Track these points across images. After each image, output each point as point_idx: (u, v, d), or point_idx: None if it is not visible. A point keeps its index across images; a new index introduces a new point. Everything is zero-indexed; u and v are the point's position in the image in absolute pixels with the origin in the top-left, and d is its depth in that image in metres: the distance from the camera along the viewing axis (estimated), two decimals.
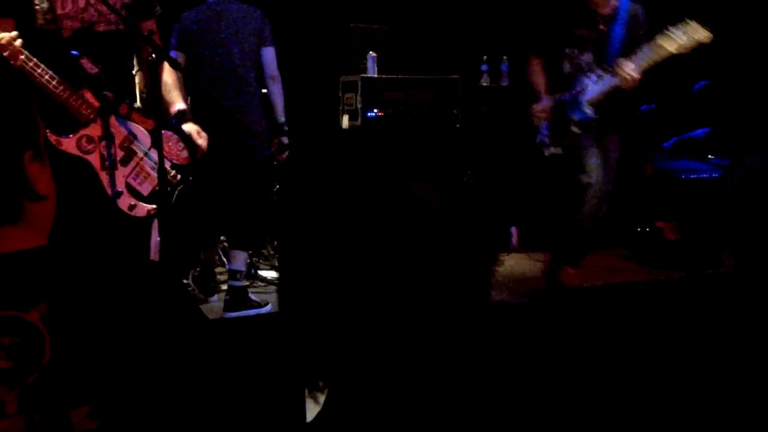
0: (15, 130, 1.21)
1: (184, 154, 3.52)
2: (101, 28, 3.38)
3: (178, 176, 3.46)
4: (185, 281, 5.29)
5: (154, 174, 3.27)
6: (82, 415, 1.13)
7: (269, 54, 5.05)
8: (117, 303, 1.20)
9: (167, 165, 3.28)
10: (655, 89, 6.25)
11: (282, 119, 5.11)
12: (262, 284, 5.97)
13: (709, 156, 6.19)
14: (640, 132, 6.48)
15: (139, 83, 6.59)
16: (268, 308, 5.01)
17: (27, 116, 1.25)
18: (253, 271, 6.10)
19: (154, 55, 3.52)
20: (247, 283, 5.38)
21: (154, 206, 3.30)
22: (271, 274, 6.20)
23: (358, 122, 6.75)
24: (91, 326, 1.17)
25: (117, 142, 3.28)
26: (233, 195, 5.09)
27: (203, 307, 5.03)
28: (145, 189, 3.32)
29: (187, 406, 1.22)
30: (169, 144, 3.46)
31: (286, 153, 5.13)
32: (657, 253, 5.78)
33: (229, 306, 4.90)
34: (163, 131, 3.26)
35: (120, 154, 3.29)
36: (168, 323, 1.23)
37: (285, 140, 5.12)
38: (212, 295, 5.35)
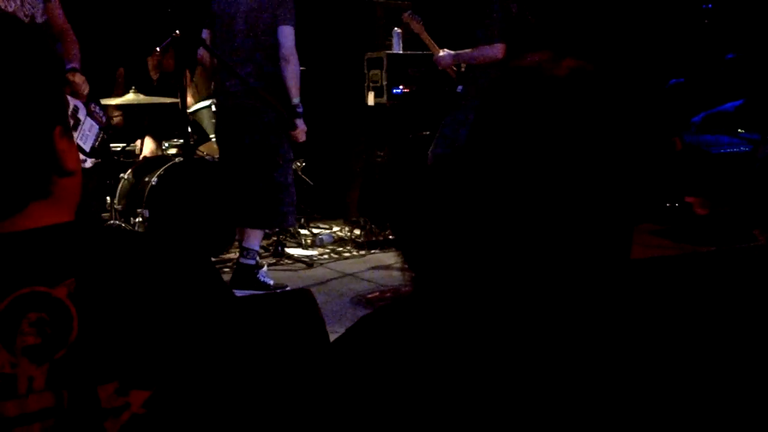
0: (46, 105, 1.20)
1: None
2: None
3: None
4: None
5: (91, 134, 4.28)
6: (110, 391, 1.12)
7: (284, 32, 4.95)
8: (145, 278, 1.19)
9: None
10: (684, 62, 6.17)
11: (295, 101, 5.01)
12: (289, 261, 5.99)
13: (740, 130, 6.11)
14: (668, 106, 6.40)
15: (151, 68, 6.61)
16: (282, 290, 5.03)
17: (57, 90, 1.24)
18: (279, 248, 6.11)
19: (177, 31, 3.65)
20: (264, 263, 5.38)
21: (97, 159, 4.41)
22: (297, 252, 6.21)
23: (384, 99, 6.71)
24: (119, 301, 1.16)
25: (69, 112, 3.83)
26: (241, 173, 5.10)
27: None
28: (87, 146, 4.27)
29: (214, 382, 1.21)
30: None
31: (302, 133, 5.09)
32: (687, 228, 5.72)
33: (234, 282, 4.96)
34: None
35: (71, 122, 4.01)
36: (195, 299, 1.22)
37: (299, 122, 5.04)
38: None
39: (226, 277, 5.20)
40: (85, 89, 4.13)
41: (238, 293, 4.88)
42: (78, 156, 1.29)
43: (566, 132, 1.03)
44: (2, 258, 1.16)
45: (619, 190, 1.05)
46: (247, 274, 5.01)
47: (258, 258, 5.15)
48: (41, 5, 4.58)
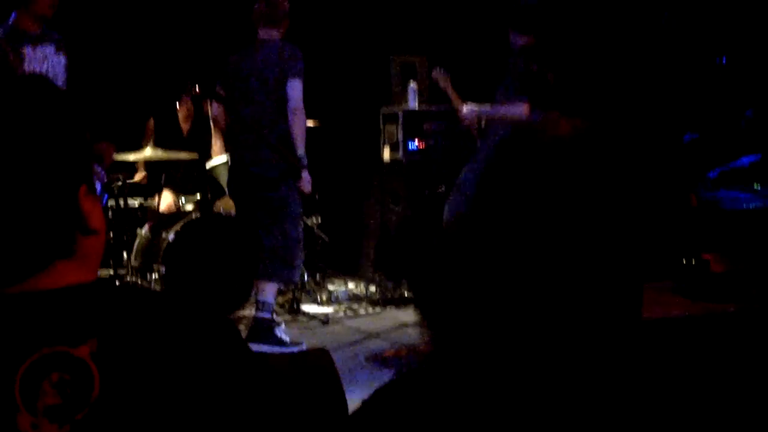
0: (72, 164, 1.22)
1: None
2: None
3: None
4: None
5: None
6: None
7: (293, 86, 5.10)
8: (166, 338, 1.19)
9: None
10: (698, 118, 6.19)
11: (300, 152, 5.11)
12: (304, 319, 5.97)
13: (756, 186, 6.09)
14: (683, 162, 6.40)
15: (182, 119, 6.71)
16: (299, 348, 5.01)
17: (83, 150, 1.25)
18: (295, 305, 6.10)
19: (198, 89, 3.67)
20: (281, 320, 5.38)
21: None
22: (313, 309, 6.20)
23: (400, 155, 6.74)
24: (140, 361, 1.16)
25: None
26: (255, 226, 5.20)
27: None
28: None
29: None
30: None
31: (307, 184, 5.16)
32: (704, 285, 5.68)
33: (250, 336, 4.96)
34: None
35: None
36: (216, 358, 1.22)
37: (304, 174, 5.13)
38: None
39: (243, 334, 5.18)
40: (110, 158, 4.10)
41: (254, 347, 4.88)
42: (102, 215, 1.30)
43: (567, 192, 1.03)
44: (25, 317, 1.16)
45: (626, 247, 1.05)
46: (263, 328, 5.02)
47: (275, 314, 5.16)
48: (63, 72, 4.74)
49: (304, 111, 5.16)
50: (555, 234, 1.01)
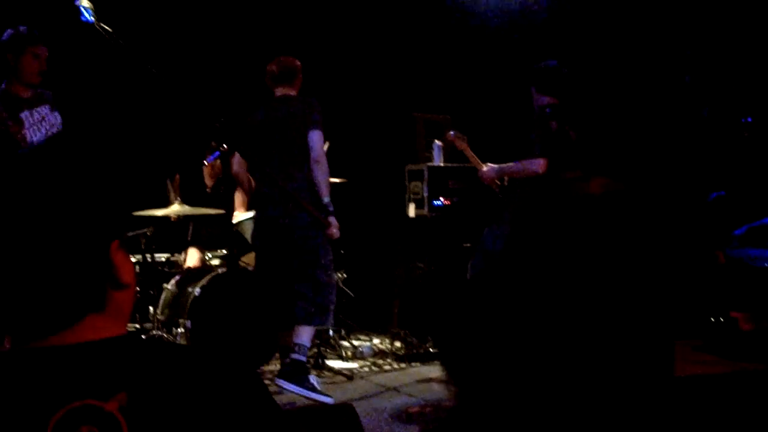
0: (105, 221, 1.24)
1: None
2: None
3: None
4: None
5: None
6: None
7: (314, 137, 5.23)
8: (195, 392, 1.20)
9: None
10: (724, 176, 6.18)
11: (326, 200, 5.22)
12: (329, 374, 5.95)
13: None
14: (710, 220, 6.38)
15: (207, 175, 6.79)
16: (327, 399, 4.99)
17: (116, 206, 1.28)
18: (320, 360, 6.09)
19: (225, 146, 3.76)
20: (314, 373, 5.39)
21: None
22: (338, 364, 6.18)
23: (425, 211, 6.76)
24: (168, 415, 1.17)
25: None
26: (289, 275, 5.29)
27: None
28: None
29: None
30: None
31: (335, 230, 5.23)
32: (733, 343, 5.61)
33: (284, 375, 5.01)
34: None
35: None
36: (244, 412, 1.23)
37: (331, 220, 5.21)
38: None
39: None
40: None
41: (287, 387, 4.91)
42: (132, 269, 1.32)
43: (599, 249, 1.04)
44: (57, 370, 1.18)
45: (656, 305, 1.06)
46: (298, 370, 5.05)
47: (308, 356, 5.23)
48: (60, 129, 4.89)
49: (326, 160, 5.27)
50: (586, 290, 1.02)
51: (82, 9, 3.78)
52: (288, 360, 5.15)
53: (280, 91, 5.45)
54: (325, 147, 5.52)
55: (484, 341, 1.10)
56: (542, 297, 1.04)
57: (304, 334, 5.20)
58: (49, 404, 1.14)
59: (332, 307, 5.34)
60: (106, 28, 3.81)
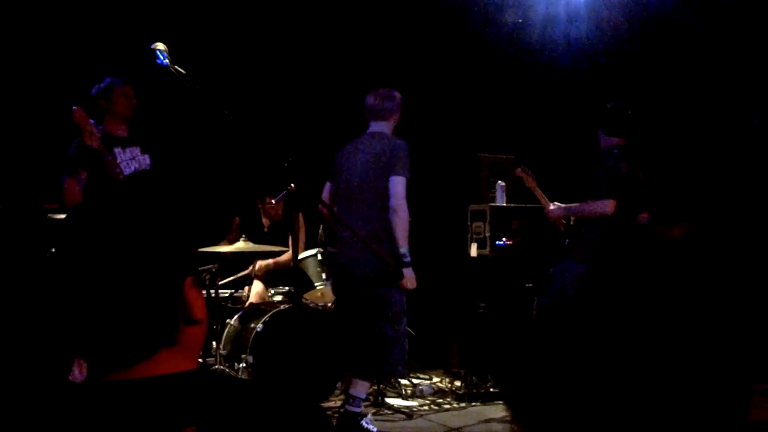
0: (180, 257, 1.29)
1: None
2: None
3: None
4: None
5: None
6: None
7: (394, 182, 5.02)
8: (262, 427, 1.23)
9: None
10: None
11: (402, 250, 5.00)
12: (389, 412, 5.94)
13: None
14: None
15: (266, 215, 6.89)
16: None
17: (190, 242, 1.32)
18: (380, 398, 6.08)
19: (293, 185, 3.90)
20: (368, 411, 5.38)
21: None
22: (397, 402, 6.16)
23: (487, 251, 6.75)
24: None
25: None
26: (352, 323, 5.19)
27: None
28: None
29: None
30: None
31: (410, 281, 5.05)
32: None
33: (339, 429, 4.93)
34: None
35: None
36: None
37: (406, 272, 5.01)
38: None
39: None
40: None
41: None
42: (204, 305, 1.36)
43: (681, 293, 1.04)
44: (130, 404, 1.21)
45: (736, 348, 1.05)
46: (351, 422, 4.99)
47: (362, 406, 5.15)
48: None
49: (406, 208, 5.04)
50: (667, 333, 1.02)
51: (158, 53, 3.91)
52: (342, 410, 5.10)
53: (373, 127, 5.29)
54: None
55: (550, 382, 1.11)
56: (622, 340, 1.05)
57: (361, 387, 5.10)
58: None
59: (393, 360, 5.11)
60: (180, 70, 3.92)
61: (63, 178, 4.94)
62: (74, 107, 4.50)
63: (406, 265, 5.01)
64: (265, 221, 7.14)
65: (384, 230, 5.04)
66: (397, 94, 5.33)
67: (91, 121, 4.52)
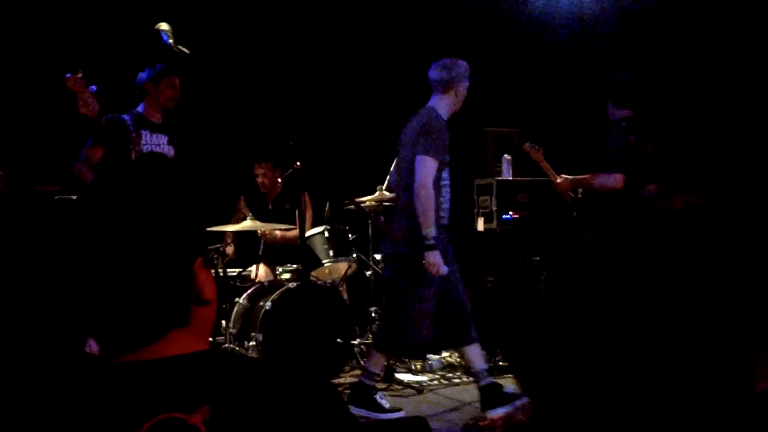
0: (190, 238, 1.29)
1: None
2: None
3: None
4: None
5: None
6: None
7: (418, 162, 4.86)
8: (276, 405, 1.23)
9: None
10: None
11: (424, 232, 4.83)
12: (399, 387, 5.97)
13: None
14: None
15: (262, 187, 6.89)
16: (398, 414, 5.00)
17: (199, 223, 1.32)
18: (390, 374, 6.11)
19: (299, 163, 3.89)
20: (383, 386, 5.40)
21: None
22: (407, 377, 6.19)
23: (494, 225, 6.75)
24: (250, 428, 1.20)
25: None
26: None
27: None
28: None
29: None
30: None
31: (432, 267, 4.85)
32: None
33: (352, 399, 4.96)
34: None
35: None
36: (323, 424, 1.26)
37: (427, 255, 4.83)
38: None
39: None
40: None
41: (354, 410, 4.89)
42: (214, 286, 1.36)
43: (682, 264, 1.04)
44: (143, 384, 1.22)
45: (738, 318, 1.06)
46: (365, 394, 5.01)
47: (376, 380, 5.17)
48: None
49: (428, 190, 4.82)
50: (669, 304, 1.02)
51: (162, 33, 3.92)
52: (356, 383, 5.13)
53: (429, 101, 5.10)
54: (394, 163, 5.45)
55: (559, 355, 1.11)
56: (624, 312, 1.05)
57: (374, 360, 5.11)
58: (137, 417, 1.18)
59: (409, 341, 5.00)
60: (184, 50, 3.93)
61: (81, 151, 5.04)
62: (67, 75, 4.42)
63: (428, 248, 4.82)
64: (269, 199, 7.14)
65: (407, 211, 4.93)
66: (456, 65, 5.06)
67: (92, 88, 4.46)
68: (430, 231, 4.82)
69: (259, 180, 7.05)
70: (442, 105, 5.04)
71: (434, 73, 5.05)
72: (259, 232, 6.73)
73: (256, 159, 7.00)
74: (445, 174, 5.01)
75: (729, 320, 1.07)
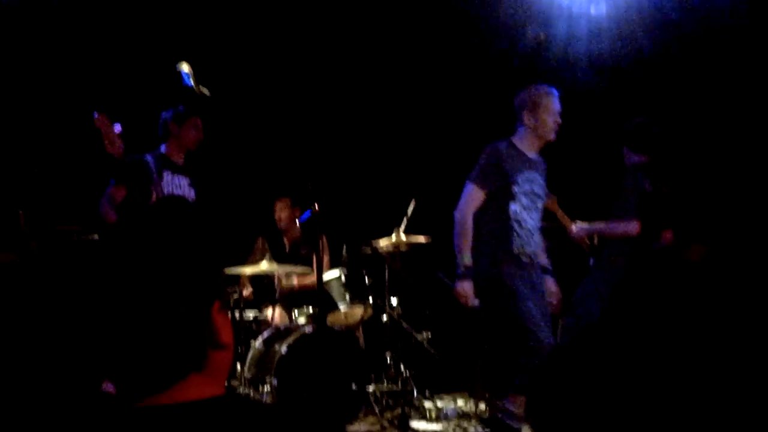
0: (208, 282, 1.28)
1: None
2: None
3: None
4: None
5: None
6: None
7: (465, 189, 4.84)
8: None
9: None
10: None
11: (458, 260, 4.73)
12: None
13: None
14: None
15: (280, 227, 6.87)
16: None
17: (219, 268, 1.31)
18: (405, 421, 6.05)
19: (317, 206, 3.88)
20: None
21: None
22: (421, 425, 6.14)
23: None
24: None
25: None
26: None
27: None
28: None
29: None
30: None
31: (461, 297, 4.72)
32: None
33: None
34: None
35: None
36: None
37: (457, 285, 4.72)
38: None
39: None
40: None
41: None
42: (231, 330, 1.35)
43: (700, 314, 1.03)
44: (160, 430, 1.20)
45: (758, 371, 1.04)
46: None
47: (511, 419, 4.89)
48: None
49: (463, 216, 4.74)
50: (687, 353, 1.01)
51: (183, 74, 3.95)
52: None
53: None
54: (411, 206, 5.41)
55: (577, 406, 1.09)
56: (643, 365, 1.03)
57: (515, 402, 4.74)
58: None
59: (513, 375, 4.72)
60: (205, 91, 3.95)
61: (105, 190, 5.01)
62: (95, 113, 4.48)
63: (457, 276, 4.74)
64: (286, 241, 7.14)
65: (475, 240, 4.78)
66: (528, 90, 4.92)
67: (117, 127, 4.51)
68: (462, 258, 4.71)
69: (277, 215, 7.07)
70: (520, 133, 4.95)
71: (516, 99, 4.97)
72: (275, 282, 6.72)
73: (275, 196, 7.03)
74: (514, 206, 4.79)
75: (748, 371, 1.04)
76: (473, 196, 4.79)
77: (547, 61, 7.82)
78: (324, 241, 6.93)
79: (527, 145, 4.95)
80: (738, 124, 6.91)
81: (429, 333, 6.77)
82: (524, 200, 4.85)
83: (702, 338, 0.99)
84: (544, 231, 6.87)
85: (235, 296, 6.21)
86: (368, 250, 6.12)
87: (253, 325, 6.61)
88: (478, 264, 4.73)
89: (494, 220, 4.77)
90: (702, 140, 6.87)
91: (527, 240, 4.83)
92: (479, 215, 4.79)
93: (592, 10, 7.53)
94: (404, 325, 6.54)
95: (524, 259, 4.80)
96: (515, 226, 4.80)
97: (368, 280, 6.57)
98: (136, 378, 1.23)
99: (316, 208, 4.20)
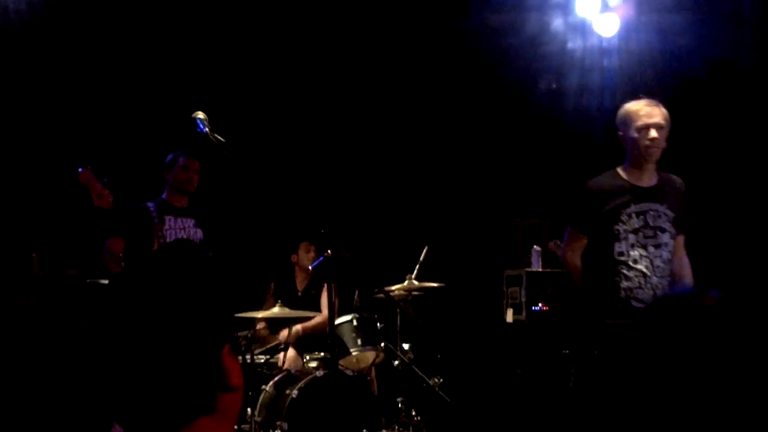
0: (219, 325, 1.29)
1: None
2: None
3: None
4: None
5: None
6: None
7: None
8: None
9: None
10: None
11: None
12: None
13: None
14: None
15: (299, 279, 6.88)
16: None
17: (230, 311, 1.33)
18: None
19: (330, 251, 3.91)
20: None
21: None
22: None
23: (523, 316, 6.70)
24: None
25: None
26: None
27: None
28: None
29: None
30: None
31: None
32: None
33: None
34: None
35: None
36: None
37: None
38: None
39: None
40: None
41: None
42: (241, 373, 1.36)
43: (716, 359, 1.04)
44: None
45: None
46: None
47: None
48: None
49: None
50: (706, 399, 1.01)
51: (198, 121, 4.00)
52: None
53: None
54: (424, 253, 5.38)
55: None
56: (659, 409, 1.04)
57: None
58: None
59: None
60: (220, 138, 4.00)
61: (104, 243, 5.11)
62: (80, 168, 4.52)
63: None
64: (299, 285, 7.15)
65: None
66: (620, 109, 4.52)
67: (104, 180, 4.55)
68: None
69: (301, 257, 7.09)
70: (627, 159, 4.52)
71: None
72: (281, 338, 6.73)
73: (292, 240, 7.06)
74: (621, 247, 4.38)
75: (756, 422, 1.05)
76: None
77: (562, 109, 7.84)
78: (334, 286, 6.94)
79: (635, 171, 4.50)
80: (754, 168, 6.90)
81: (440, 378, 6.74)
82: (632, 238, 4.39)
83: (721, 384, 1.00)
84: (555, 276, 6.85)
85: (248, 337, 6.21)
86: (381, 295, 6.12)
87: (264, 369, 6.59)
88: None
89: (599, 263, 4.44)
90: (714, 183, 6.85)
91: (638, 282, 4.37)
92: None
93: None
94: (416, 370, 6.51)
95: (635, 303, 4.35)
96: (620, 268, 4.39)
97: (380, 325, 6.56)
98: (145, 421, 1.25)
99: (329, 253, 4.22)
